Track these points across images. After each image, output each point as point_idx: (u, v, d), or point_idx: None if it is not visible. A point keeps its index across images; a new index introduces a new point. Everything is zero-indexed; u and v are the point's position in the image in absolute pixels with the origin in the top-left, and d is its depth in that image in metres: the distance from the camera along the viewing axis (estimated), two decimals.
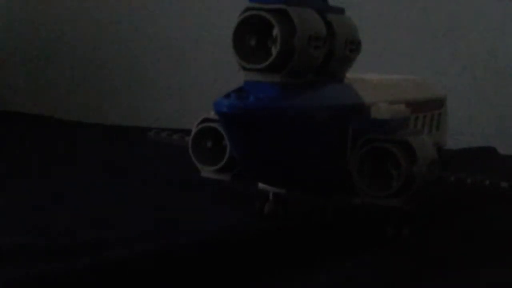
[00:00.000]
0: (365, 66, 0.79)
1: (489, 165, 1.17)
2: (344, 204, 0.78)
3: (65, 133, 1.53)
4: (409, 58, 1.44)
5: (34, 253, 0.67)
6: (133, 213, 0.85)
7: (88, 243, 0.70)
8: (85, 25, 1.74)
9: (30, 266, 0.62)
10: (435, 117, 0.91)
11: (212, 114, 0.76)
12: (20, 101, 1.79)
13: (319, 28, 0.67)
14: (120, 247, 0.68)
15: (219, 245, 0.70)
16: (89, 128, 1.61)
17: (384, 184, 0.72)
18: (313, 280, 0.65)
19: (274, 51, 0.65)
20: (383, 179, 0.72)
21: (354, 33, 0.73)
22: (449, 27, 1.45)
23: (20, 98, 1.80)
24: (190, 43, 1.64)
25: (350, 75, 0.75)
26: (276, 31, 0.64)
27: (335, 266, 0.68)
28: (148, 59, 1.70)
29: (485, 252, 0.75)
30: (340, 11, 0.72)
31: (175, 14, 1.66)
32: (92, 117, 1.69)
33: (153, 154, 1.18)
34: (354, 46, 0.72)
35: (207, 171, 0.79)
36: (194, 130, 0.79)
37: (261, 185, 0.81)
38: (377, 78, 0.82)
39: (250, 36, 0.66)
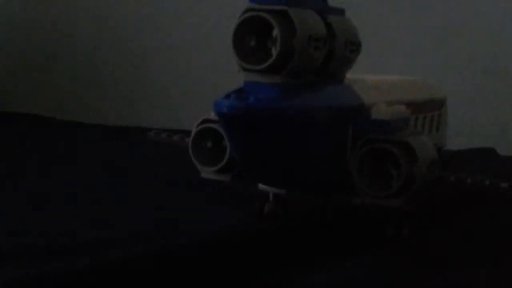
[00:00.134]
0: (365, 66, 0.79)
1: (489, 166, 1.17)
2: (344, 204, 0.78)
3: (65, 133, 1.52)
4: (409, 59, 1.44)
5: (34, 253, 0.67)
6: (133, 213, 0.85)
7: (88, 243, 0.70)
8: (85, 25, 1.74)
9: (30, 266, 0.62)
10: (435, 118, 0.91)
11: (212, 115, 0.76)
12: (20, 101, 1.79)
13: (319, 29, 0.67)
14: (120, 247, 0.68)
15: (219, 245, 0.70)
16: (89, 128, 1.61)
17: (384, 184, 0.72)
18: (313, 280, 0.65)
19: (274, 52, 0.64)
20: (383, 179, 0.72)
21: (354, 34, 0.73)
22: (449, 27, 1.45)
23: (20, 98, 1.80)
24: (190, 43, 1.64)
25: (350, 75, 0.75)
26: (276, 32, 0.64)
27: (335, 266, 0.68)
28: (148, 60, 1.69)
29: (485, 252, 0.75)
30: (340, 12, 0.72)
31: (175, 15, 1.66)
32: (92, 118, 1.68)
33: (153, 155, 1.18)
34: (354, 47, 0.72)
35: (207, 172, 0.79)
36: (194, 131, 0.79)
37: (261, 185, 0.81)
38: (377, 79, 0.82)
39: (250, 36, 0.66)
